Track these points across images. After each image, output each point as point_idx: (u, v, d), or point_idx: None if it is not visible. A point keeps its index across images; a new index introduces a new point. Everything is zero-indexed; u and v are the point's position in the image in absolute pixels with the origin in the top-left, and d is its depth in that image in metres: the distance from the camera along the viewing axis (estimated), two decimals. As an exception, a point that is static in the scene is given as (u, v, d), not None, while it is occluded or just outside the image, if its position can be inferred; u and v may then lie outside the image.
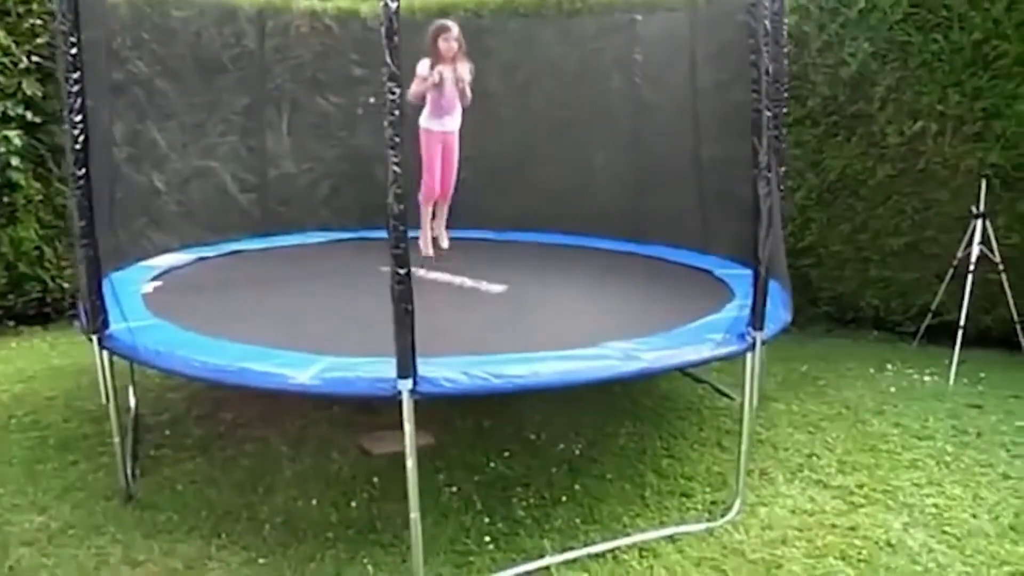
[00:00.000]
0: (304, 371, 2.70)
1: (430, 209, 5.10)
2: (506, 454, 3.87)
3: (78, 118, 3.00)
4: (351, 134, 6.60)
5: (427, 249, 5.07)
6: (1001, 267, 4.77)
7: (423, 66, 4.77)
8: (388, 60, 2.48)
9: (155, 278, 4.25)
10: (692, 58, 5.09)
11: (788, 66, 4.66)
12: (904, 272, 5.39)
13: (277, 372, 2.71)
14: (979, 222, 4.76)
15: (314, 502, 3.43)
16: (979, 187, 4.76)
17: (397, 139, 2.54)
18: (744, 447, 3.34)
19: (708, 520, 3.28)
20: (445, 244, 5.16)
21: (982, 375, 4.75)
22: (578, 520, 3.29)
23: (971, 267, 4.74)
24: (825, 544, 3.05)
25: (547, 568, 2.96)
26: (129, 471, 3.45)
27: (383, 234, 5.53)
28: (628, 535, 3.17)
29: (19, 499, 3.44)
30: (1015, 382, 4.66)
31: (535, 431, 4.10)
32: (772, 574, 2.89)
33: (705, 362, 3.11)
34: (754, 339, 3.22)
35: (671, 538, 3.16)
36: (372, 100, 6.64)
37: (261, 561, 2.99)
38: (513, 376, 2.71)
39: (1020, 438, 3.92)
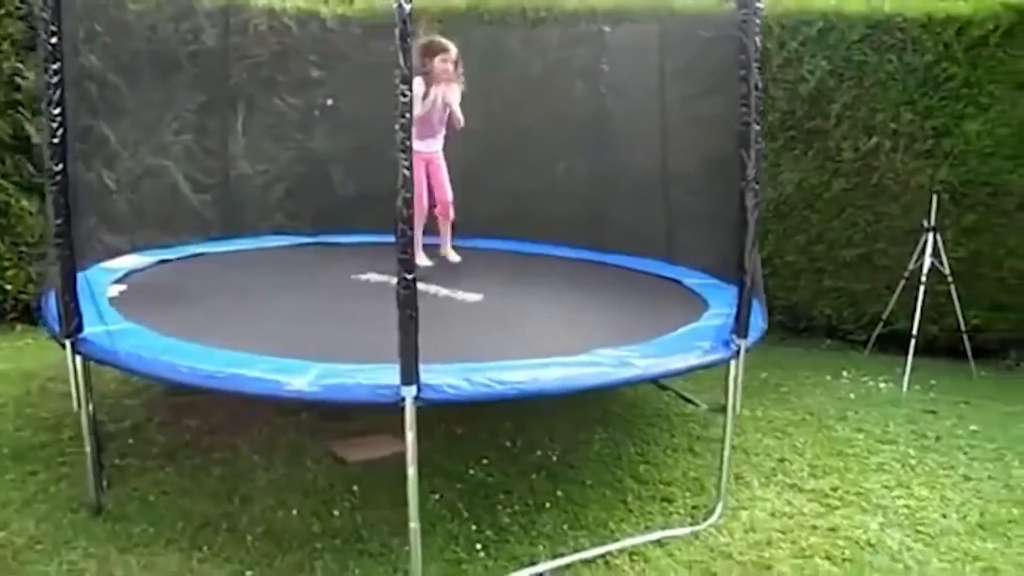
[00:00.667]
0: (299, 377, 2.63)
1: (419, 228, 4.71)
2: (484, 461, 3.85)
3: (57, 111, 2.86)
4: (307, 136, 6.48)
5: (422, 259, 4.74)
6: (950, 279, 4.99)
7: (416, 86, 4.50)
8: (401, 62, 2.44)
9: (118, 281, 4.07)
10: (660, 70, 5.17)
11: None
12: (856, 283, 5.60)
13: (271, 378, 2.63)
14: (930, 235, 4.98)
15: (295, 511, 3.34)
16: (930, 202, 4.98)
17: (407, 143, 2.49)
18: (727, 452, 3.39)
19: (691, 524, 3.33)
20: (454, 259, 4.98)
21: (933, 382, 4.96)
22: (565, 526, 3.29)
23: (923, 279, 4.95)
24: (809, 545, 3.13)
25: (540, 575, 2.96)
26: (98, 482, 3.28)
27: (345, 239, 5.71)
28: (617, 540, 3.19)
29: (-25, 513, 3.27)
30: (964, 389, 4.88)
31: (509, 438, 4.09)
32: (762, 575, 2.96)
33: (692, 370, 3.16)
34: (738, 347, 3.29)
35: (659, 542, 3.19)
36: (330, 102, 6.54)
37: (248, 573, 2.89)
38: (515, 382, 2.70)
39: (975, 441, 4.11)
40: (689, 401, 4.70)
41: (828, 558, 3.03)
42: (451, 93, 4.65)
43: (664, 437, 4.25)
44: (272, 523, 3.25)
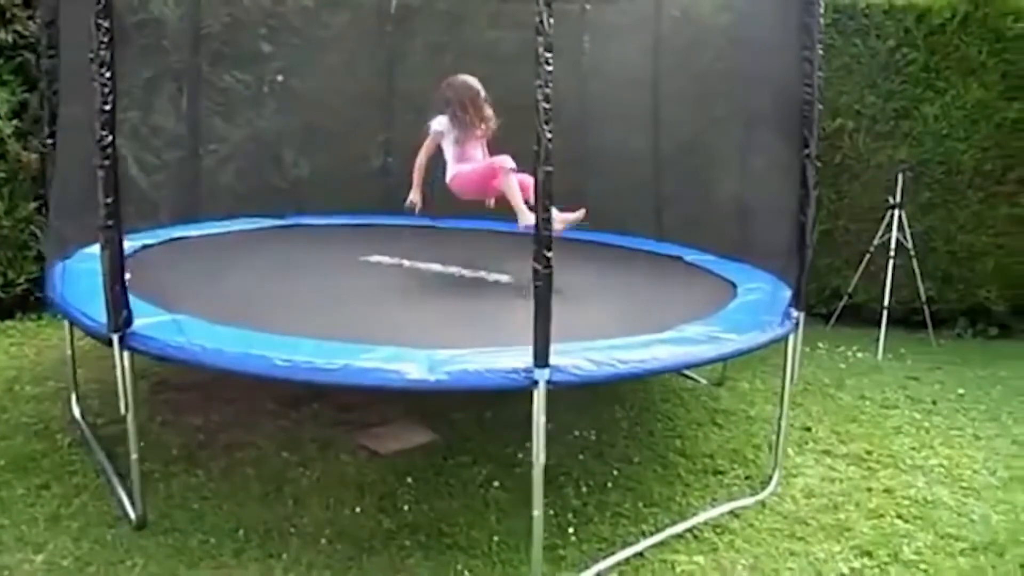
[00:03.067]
0: (417, 366, 2.47)
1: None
2: (527, 445, 3.77)
3: (107, 73, 2.54)
4: (258, 114, 6.08)
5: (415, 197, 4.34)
6: (912, 253, 5.33)
7: (440, 122, 4.14)
8: (544, 24, 2.30)
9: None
10: (652, 47, 5.18)
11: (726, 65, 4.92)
12: (819, 258, 5.86)
13: (390, 368, 2.44)
14: (896, 212, 5.29)
15: (357, 509, 3.14)
16: (896, 180, 5.29)
17: (548, 123, 2.34)
18: (784, 423, 3.49)
19: (753, 494, 3.40)
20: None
21: (902, 351, 5.29)
22: (640, 504, 3.28)
23: (891, 253, 5.26)
24: (876, 506, 3.26)
25: (640, 554, 2.93)
26: (138, 493, 2.96)
27: (319, 221, 5.41)
28: (694, 514, 3.21)
29: (-1, 536, 2.88)
30: (931, 356, 5.24)
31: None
32: (846, 536, 3.05)
33: (771, 343, 3.20)
34: (797, 319, 3.38)
35: (733, 513, 3.25)
36: (280, 78, 6.17)
37: (344, 578, 2.71)
38: (636, 361, 2.65)
39: (967, 404, 4.42)
40: (688, 377, 4.79)
41: (899, 517, 3.18)
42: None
43: (682, 412, 4.31)
44: (339, 523, 3.05)
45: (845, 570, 2.82)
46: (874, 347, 5.26)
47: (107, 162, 2.59)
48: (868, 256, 5.49)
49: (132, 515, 2.99)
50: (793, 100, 3.92)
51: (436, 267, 4.24)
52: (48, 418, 3.85)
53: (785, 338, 3.36)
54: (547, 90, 2.34)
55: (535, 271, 2.40)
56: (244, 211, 5.58)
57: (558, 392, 4.26)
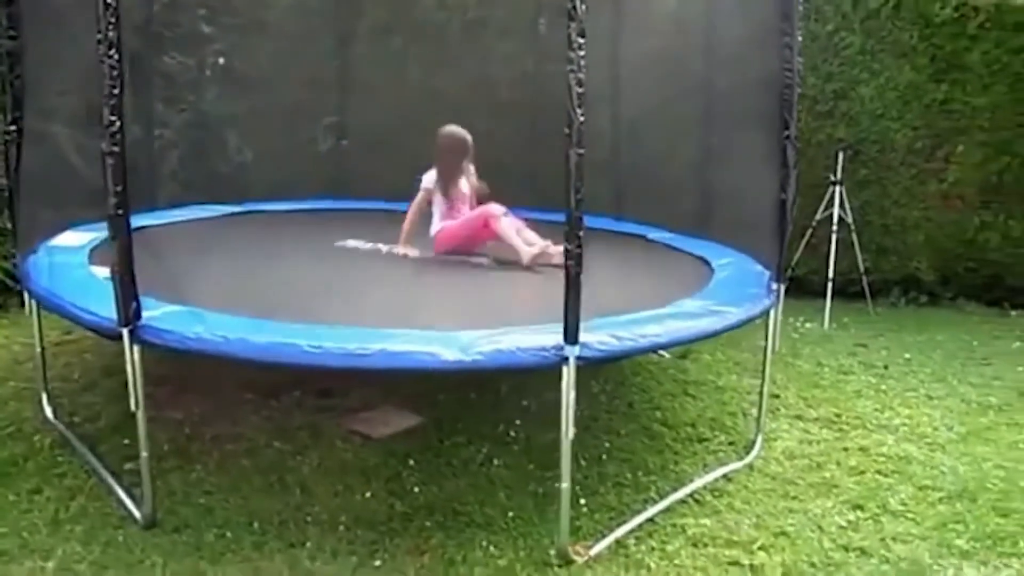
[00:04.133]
0: (450, 348, 2.49)
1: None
2: (517, 422, 3.84)
3: (114, 55, 2.45)
4: (199, 98, 5.89)
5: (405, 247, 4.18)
6: (853, 227, 5.65)
7: (428, 178, 4.14)
8: (576, 8, 2.34)
9: (92, 262, 3.52)
10: (611, 27, 5.26)
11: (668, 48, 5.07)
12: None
13: (425, 351, 2.46)
14: (837, 188, 5.59)
15: (368, 494, 3.15)
16: (836, 158, 5.59)
17: (580, 106, 2.39)
18: (765, 389, 3.67)
19: (739, 459, 3.58)
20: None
21: (845, 320, 5.61)
22: (639, 474, 3.40)
23: (834, 227, 5.56)
24: (856, 464, 3.49)
25: (651, 520, 3.05)
26: (148, 491, 2.87)
27: (277, 207, 5.30)
28: (691, 479, 3.35)
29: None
30: (872, 324, 5.57)
31: (523, 399, 4.10)
32: (835, 492, 3.26)
33: (760, 315, 3.36)
34: (777, 291, 3.56)
35: (726, 477, 3.41)
36: (222, 61, 5.98)
37: (376, 563, 2.71)
38: (653, 335, 2.75)
39: (915, 367, 4.74)
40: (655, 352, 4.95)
41: (879, 472, 3.41)
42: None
43: (655, 385, 4.46)
44: (352, 509, 3.05)
45: (842, 522, 3.01)
46: (820, 317, 5.55)
47: (116, 148, 2.50)
48: (811, 231, 5.78)
49: (137, 514, 2.90)
50: (756, 80, 4.14)
51: (413, 252, 4.24)
52: (19, 420, 3.66)
53: (768, 310, 3.55)
54: (580, 74, 2.38)
55: (567, 251, 2.46)
56: (190, 199, 5.43)
57: (539, 371, 4.36)
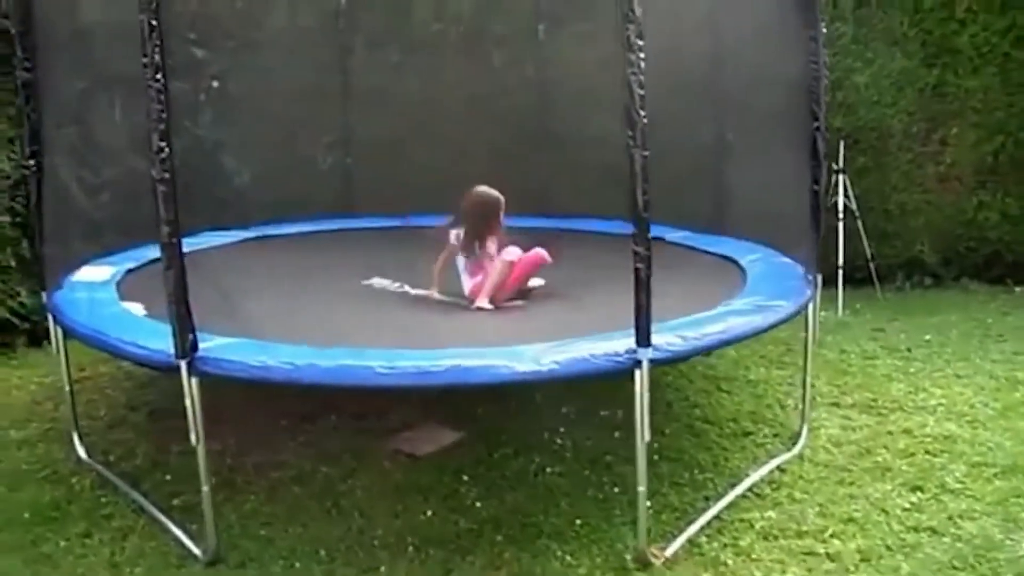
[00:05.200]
0: (524, 360, 2.47)
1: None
2: (561, 429, 3.82)
3: (160, 80, 2.41)
4: (195, 123, 5.79)
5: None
6: (858, 214, 5.71)
7: (456, 236, 3.84)
8: (633, 11, 2.34)
9: (122, 298, 3.44)
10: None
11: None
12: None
13: (500, 364, 2.43)
14: (841, 177, 5.65)
15: (429, 512, 3.11)
16: (838, 147, 5.64)
17: (642, 108, 2.37)
18: (808, 379, 3.69)
19: (787, 450, 3.58)
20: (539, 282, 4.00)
21: (857, 306, 5.65)
22: (695, 472, 3.40)
23: (840, 216, 5.61)
24: (904, 447, 3.51)
25: (717, 517, 3.04)
26: (211, 526, 2.80)
27: (288, 230, 5.21)
28: (745, 474, 3.35)
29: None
30: (883, 309, 5.62)
31: (562, 407, 4.06)
32: (890, 475, 3.28)
33: (806, 305, 3.38)
34: (816, 282, 3.58)
35: (779, 469, 3.41)
36: (215, 84, 5.89)
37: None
38: (716, 333, 2.76)
39: (936, 348, 4.77)
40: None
41: (928, 453, 3.44)
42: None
43: (686, 383, 4.44)
44: (417, 529, 3.00)
45: (906, 504, 3.04)
46: (833, 305, 5.60)
47: (167, 175, 2.45)
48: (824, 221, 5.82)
49: (197, 551, 2.84)
50: (771, 73, 4.17)
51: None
52: (52, 462, 3.57)
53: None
54: (640, 76, 2.37)
55: (635, 253, 2.45)
56: (195, 225, 5.33)
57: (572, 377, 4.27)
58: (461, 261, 3.89)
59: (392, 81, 5.83)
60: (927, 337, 4.95)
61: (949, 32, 5.71)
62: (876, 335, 5.07)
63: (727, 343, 2.85)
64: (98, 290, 3.49)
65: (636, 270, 2.46)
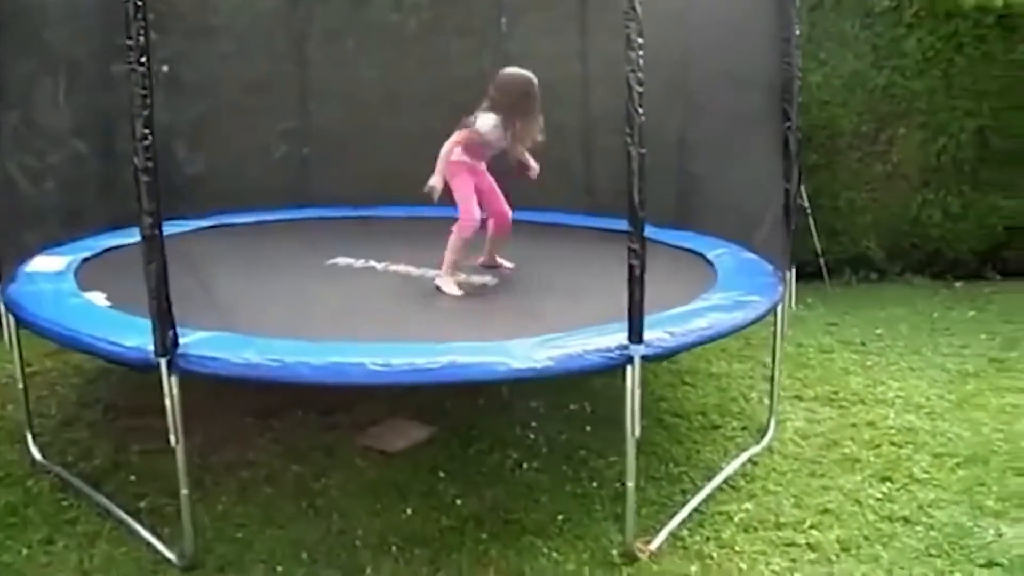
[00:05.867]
0: (519, 357, 2.44)
1: (463, 250, 3.76)
2: (533, 424, 3.81)
3: (144, 63, 2.30)
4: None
5: (450, 288, 3.66)
6: (809, 211, 5.84)
7: (486, 123, 3.63)
8: (635, 8, 2.32)
9: (84, 288, 3.27)
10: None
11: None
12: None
13: (495, 361, 2.40)
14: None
15: (408, 511, 3.06)
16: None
17: (641, 106, 2.38)
18: (777, 373, 3.76)
19: (756, 443, 3.65)
20: (508, 264, 4.04)
21: (809, 301, 5.78)
22: (670, 465, 3.43)
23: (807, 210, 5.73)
24: (869, 438, 3.62)
25: (697, 510, 3.08)
26: (189, 530, 2.70)
27: (244, 219, 5.07)
28: (718, 467, 3.40)
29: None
30: (835, 303, 5.76)
31: (530, 401, 4.05)
32: (859, 467, 3.37)
33: (779, 301, 3.43)
34: (788, 277, 3.65)
35: (751, 461, 3.47)
36: (165, 69, 5.68)
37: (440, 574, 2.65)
38: (701, 329, 2.79)
39: (889, 342, 4.93)
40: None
41: (894, 444, 3.55)
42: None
43: (651, 377, 4.41)
44: (399, 528, 2.95)
45: (878, 495, 3.12)
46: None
47: (150, 164, 2.34)
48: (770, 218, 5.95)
49: (171, 556, 2.74)
50: (735, 70, 4.23)
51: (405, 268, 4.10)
52: (4, 464, 3.39)
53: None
54: (640, 74, 2.37)
55: (630, 250, 2.45)
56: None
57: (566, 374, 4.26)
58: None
59: (350, 70, 5.74)
60: (878, 331, 5.10)
61: (898, 36, 5.89)
62: (830, 329, 5.20)
63: (712, 339, 2.88)
64: (56, 281, 3.32)
65: (630, 267, 2.46)
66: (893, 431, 3.67)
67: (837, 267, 6.27)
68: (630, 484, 2.71)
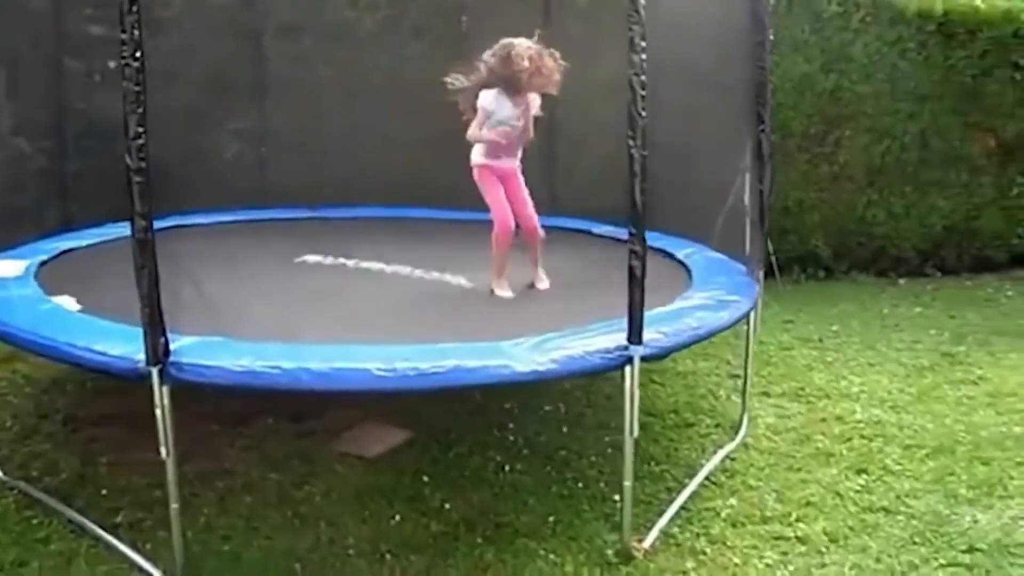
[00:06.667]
0: (522, 360, 2.43)
1: (504, 253, 3.77)
2: (510, 426, 3.80)
3: (139, 59, 2.22)
4: (89, 106, 5.34)
5: (503, 291, 3.74)
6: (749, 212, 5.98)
7: (488, 99, 3.61)
8: (638, 11, 2.33)
9: (49, 293, 3.11)
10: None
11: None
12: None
13: (499, 364, 2.39)
14: (748, 175, 5.89)
15: (397, 517, 3.01)
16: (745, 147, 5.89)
17: (644, 110, 2.40)
18: (750, 371, 3.84)
19: (731, 440, 3.71)
20: (542, 286, 3.93)
21: (764, 299, 5.92)
22: (652, 464, 3.46)
23: (747, 212, 5.85)
24: (839, 433, 3.72)
25: (685, 507, 3.12)
26: (179, 544, 2.60)
27: (202, 220, 4.91)
28: (702, 464, 3.45)
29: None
30: (788, 300, 5.87)
31: (504, 403, 4.04)
32: (833, 460, 3.47)
33: (755, 304, 3.51)
34: (760, 279, 3.74)
35: (729, 457, 3.54)
36: (112, 64, 5.46)
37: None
38: (692, 329, 2.84)
39: (845, 338, 5.08)
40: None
41: (864, 437, 3.66)
42: (535, 103, 3.73)
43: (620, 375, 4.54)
44: (389, 535, 2.91)
45: (856, 487, 3.22)
46: (742, 297, 5.86)
47: (143, 164, 2.25)
48: (722, 218, 6.08)
49: (155, 573, 2.63)
50: (702, 72, 4.30)
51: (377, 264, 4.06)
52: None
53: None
54: (642, 77, 2.39)
55: (631, 252, 2.47)
56: (94, 216, 4.94)
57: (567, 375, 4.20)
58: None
59: (306, 69, 5.63)
60: (834, 327, 5.26)
61: (846, 41, 6.09)
62: (787, 326, 5.33)
63: (702, 338, 2.93)
64: (17, 286, 3.15)
65: (631, 268, 2.47)
66: (862, 425, 3.79)
67: (787, 265, 6.42)
68: (628, 483, 2.73)
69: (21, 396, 4.01)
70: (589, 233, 4.92)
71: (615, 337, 2.58)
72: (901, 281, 6.42)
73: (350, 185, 5.59)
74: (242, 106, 5.65)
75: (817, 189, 6.36)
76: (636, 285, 2.47)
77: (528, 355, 2.46)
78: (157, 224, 4.78)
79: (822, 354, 4.79)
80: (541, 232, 3.87)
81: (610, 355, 2.52)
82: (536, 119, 3.73)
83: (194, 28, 5.48)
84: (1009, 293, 6.08)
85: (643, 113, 2.42)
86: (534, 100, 3.68)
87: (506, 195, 3.74)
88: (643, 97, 2.42)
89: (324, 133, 5.70)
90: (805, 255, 6.49)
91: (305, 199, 5.52)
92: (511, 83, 3.55)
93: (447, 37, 5.65)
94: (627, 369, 2.56)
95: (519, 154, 3.80)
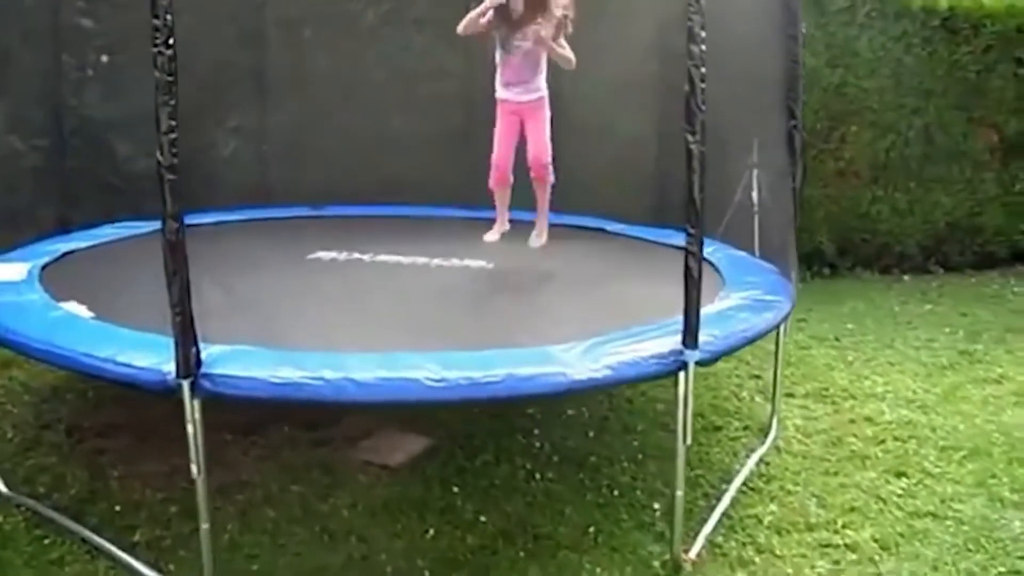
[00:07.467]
0: (576, 367, 2.32)
1: (504, 193, 4.00)
2: (535, 432, 3.68)
3: (171, 46, 2.07)
4: (81, 102, 5.13)
5: (494, 234, 4.04)
6: (755, 209, 5.90)
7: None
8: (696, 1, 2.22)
9: (57, 299, 2.94)
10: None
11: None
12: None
13: (554, 371, 2.27)
14: (755, 172, 5.82)
15: (431, 531, 2.88)
16: (752, 144, 5.82)
17: (704, 103, 2.29)
18: (779, 375, 3.76)
19: (761, 443, 3.63)
20: (533, 243, 4.05)
21: (771, 296, 5.87)
22: (687, 469, 3.35)
23: (755, 209, 5.78)
24: (871, 434, 3.65)
25: (726, 515, 3.02)
26: (209, 565, 2.45)
27: (207, 219, 4.73)
28: (737, 469, 3.36)
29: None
30: (798, 298, 5.81)
31: (526, 408, 3.92)
32: (869, 463, 3.40)
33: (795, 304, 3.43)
34: (794, 278, 3.66)
35: (763, 461, 3.45)
36: (105, 59, 5.25)
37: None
38: (741, 330, 2.74)
39: (859, 337, 5.02)
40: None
41: (897, 439, 3.59)
42: (546, 28, 3.74)
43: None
44: (425, 550, 2.78)
45: (897, 491, 3.15)
46: (752, 296, 5.79)
47: (175, 160, 2.09)
48: (730, 214, 6.01)
49: (180, 593, 2.50)
50: (723, 67, 4.21)
51: (395, 258, 3.94)
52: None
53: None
54: (702, 69, 2.28)
55: (688, 251, 2.36)
56: (88, 217, 4.74)
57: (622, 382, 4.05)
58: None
59: (308, 63, 5.46)
60: (848, 326, 5.21)
61: (851, 35, 6.04)
62: (801, 325, 5.25)
63: (751, 340, 2.83)
64: (23, 291, 2.98)
65: (687, 268, 2.37)
66: (893, 426, 3.72)
67: (792, 263, 6.39)
68: (680, 493, 2.63)
69: (20, 405, 3.82)
70: (604, 231, 4.82)
71: (666, 341, 2.48)
72: (905, 278, 6.39)
73: (353, 182, 5.45)
74: (243, 101, 5.47)
75: (822, 185, 6.31)
76: (693, 286, 2.37)
77: (581, 362, 2.34)
78: (155, 226, 4.67)
79: (841, 353, 4.73)
80: (551, 176, 3.91)
81: (665, 360, 2.41)
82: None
83: (192, 17, 5.29)
84: (1016, 289, 6.07)
85: (703, 106, 2.31)
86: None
87: (523, 133, 3.86)
88: (703, 90, 2.31)
89: (325, 130, 5.55)
90: (811, 252, 6.43)
91: (307, 197, 5.37)
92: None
93: (452, 30, 5.51)
94: (681, 374, 2.45)
95: (536, 84, 3.84)
